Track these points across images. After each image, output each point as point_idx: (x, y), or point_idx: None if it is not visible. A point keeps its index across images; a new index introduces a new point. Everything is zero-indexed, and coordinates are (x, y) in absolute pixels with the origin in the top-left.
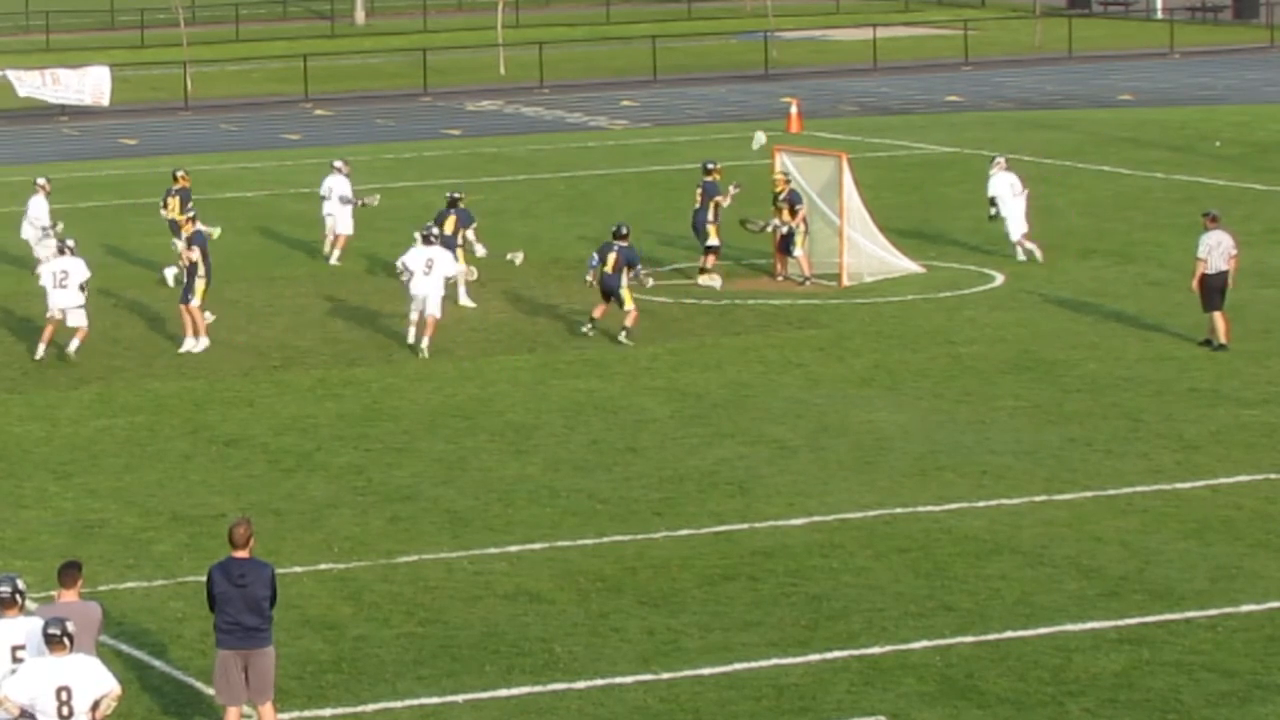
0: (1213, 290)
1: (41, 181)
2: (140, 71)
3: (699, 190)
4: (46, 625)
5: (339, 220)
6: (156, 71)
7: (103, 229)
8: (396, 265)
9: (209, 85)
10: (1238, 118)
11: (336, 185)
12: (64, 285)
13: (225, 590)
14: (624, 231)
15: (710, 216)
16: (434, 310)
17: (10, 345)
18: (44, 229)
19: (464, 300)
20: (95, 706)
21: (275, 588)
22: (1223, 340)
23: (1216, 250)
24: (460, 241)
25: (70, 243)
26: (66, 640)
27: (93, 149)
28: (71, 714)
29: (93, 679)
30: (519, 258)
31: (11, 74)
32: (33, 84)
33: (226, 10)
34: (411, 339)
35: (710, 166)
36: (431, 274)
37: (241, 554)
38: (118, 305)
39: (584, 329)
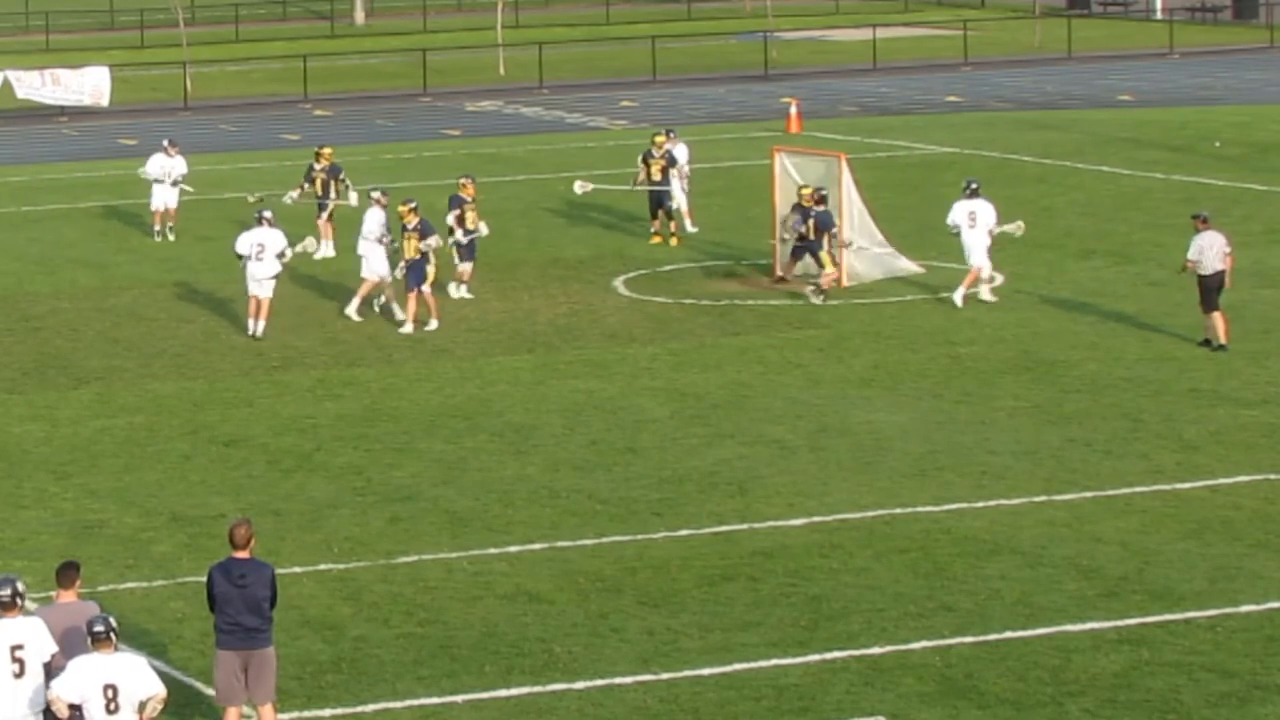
0: (1209, 291)
1: (377, 195)
2: (140, 71)
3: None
4: (92, 623)
5: (169, 199)
6: (156, 72)
7: (102, 229)
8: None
9: (209, 85)
10: (1238, 118)
11: (175, 167)
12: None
13: (225, 591)
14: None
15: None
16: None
17: (10, 345)
18: (379, 240)
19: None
20: (141, 708)
21: (275, 588)
22: (1222, 340)
23: (1209, 252)
24: (334, 194)
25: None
26: (113, 636)
27: (93, 149)
28: (117, 710)
29: (139, 679)
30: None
31: (11, 75)
32: (31, 85)
33: (226, 10)
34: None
35: (664, 137)
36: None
37: (242, 554)
38: (117, 305)
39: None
